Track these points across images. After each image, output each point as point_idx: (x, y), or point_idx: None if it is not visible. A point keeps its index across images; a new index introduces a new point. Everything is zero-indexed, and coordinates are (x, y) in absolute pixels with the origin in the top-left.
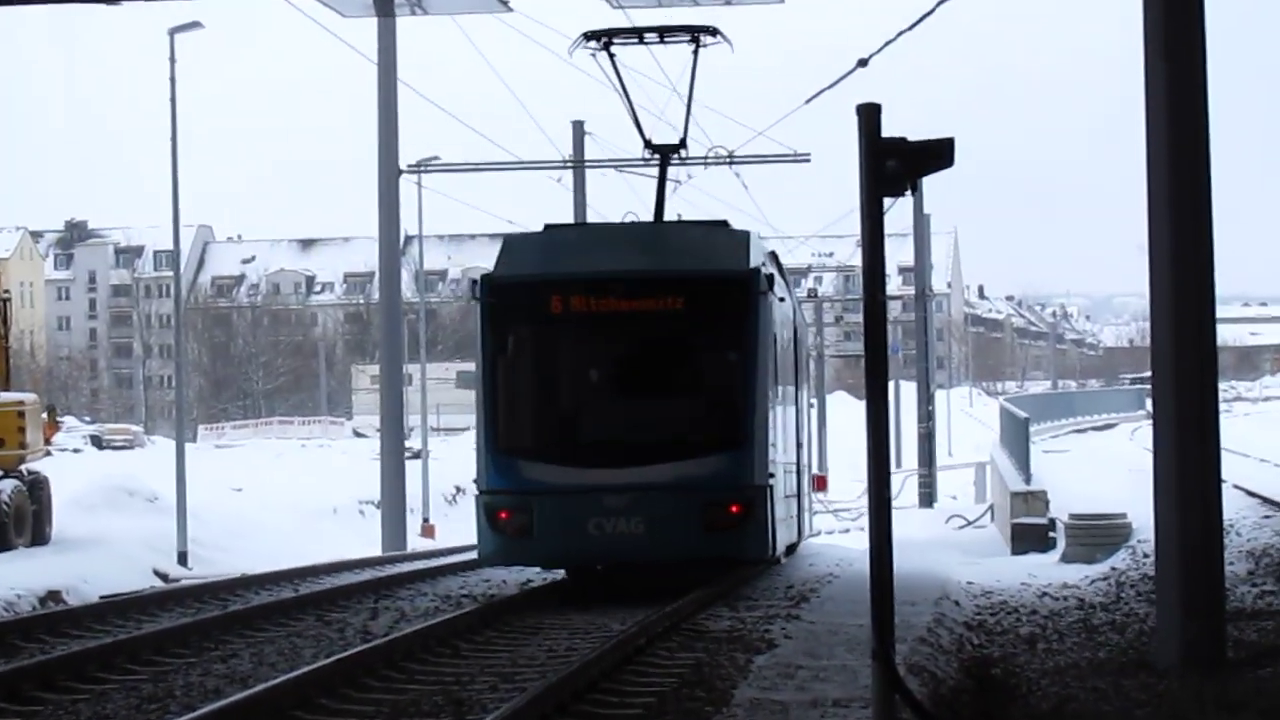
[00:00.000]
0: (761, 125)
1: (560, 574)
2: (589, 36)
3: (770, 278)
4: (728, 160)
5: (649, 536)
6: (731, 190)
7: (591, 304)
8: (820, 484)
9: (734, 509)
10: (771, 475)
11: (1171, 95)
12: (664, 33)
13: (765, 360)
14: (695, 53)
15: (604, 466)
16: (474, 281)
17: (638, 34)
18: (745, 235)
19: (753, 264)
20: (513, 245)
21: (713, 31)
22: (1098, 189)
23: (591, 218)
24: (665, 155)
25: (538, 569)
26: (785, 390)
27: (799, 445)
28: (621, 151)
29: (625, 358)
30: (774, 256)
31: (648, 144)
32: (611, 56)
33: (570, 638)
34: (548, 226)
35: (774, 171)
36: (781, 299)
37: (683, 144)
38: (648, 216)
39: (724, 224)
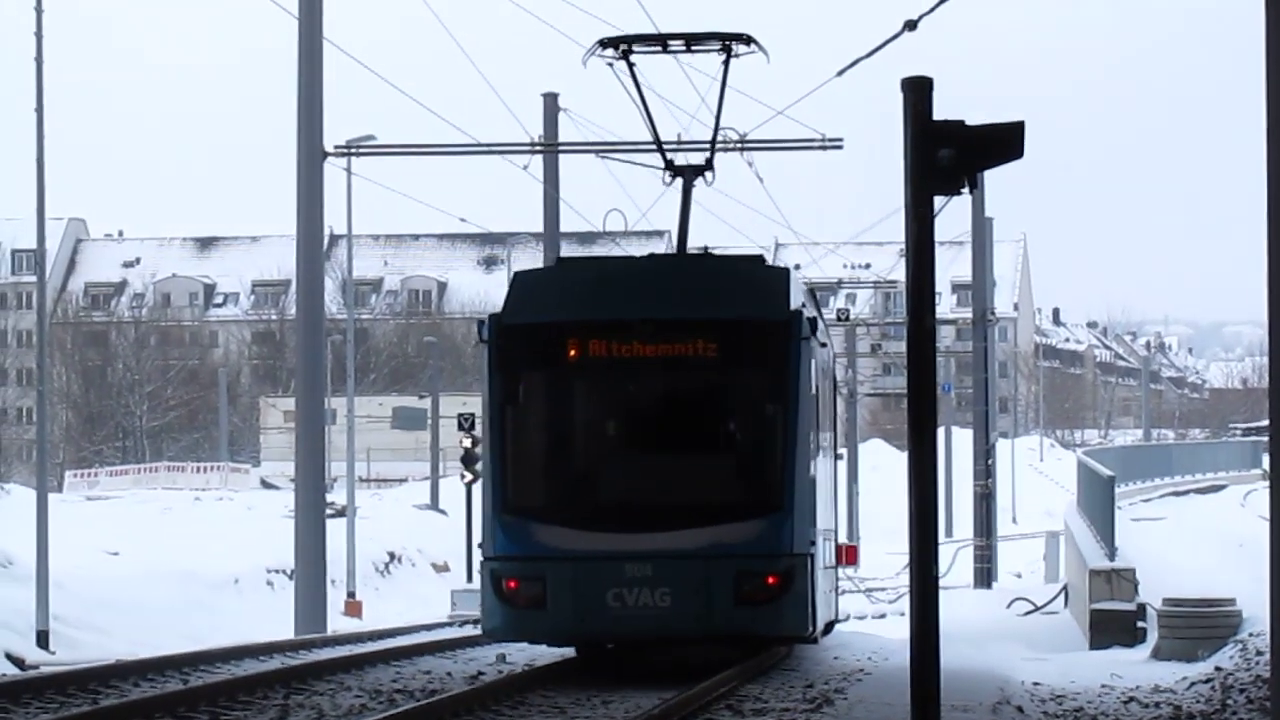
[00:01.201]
0: (782, 103)
1: (537, 659)
2: (605, 44)
3: (813, 321)
4: (738, 145)
5: (675, 610)
6: (743, 183)
7: (614, 350)
8: (849, 556)
9: (771, 580)
10: (812, 543)
11: None
12: (691, 41)
13: (807, 413)
14: (726, 63)
15: (626, 531)
16: (480, 322)
17: (661, 41)
18: (784, 273)
19: (793, 306)
20: (524, 282)
21: (747, 40)
22: (1205, 191)
23: (565, 214)
24: (689, 177)
25: (513, 644)
26: (824, 446)
27: (835, 509)
28: (603, 132)
29: (651, 410)
30: (812, 294)
31: (669, 164)
32: (631, 66)
33: None
34: (561, 260)
35: (797, 161)
36: (823, 344)
37: (709, 165)
38: (633, 214)
39: (759, 259)
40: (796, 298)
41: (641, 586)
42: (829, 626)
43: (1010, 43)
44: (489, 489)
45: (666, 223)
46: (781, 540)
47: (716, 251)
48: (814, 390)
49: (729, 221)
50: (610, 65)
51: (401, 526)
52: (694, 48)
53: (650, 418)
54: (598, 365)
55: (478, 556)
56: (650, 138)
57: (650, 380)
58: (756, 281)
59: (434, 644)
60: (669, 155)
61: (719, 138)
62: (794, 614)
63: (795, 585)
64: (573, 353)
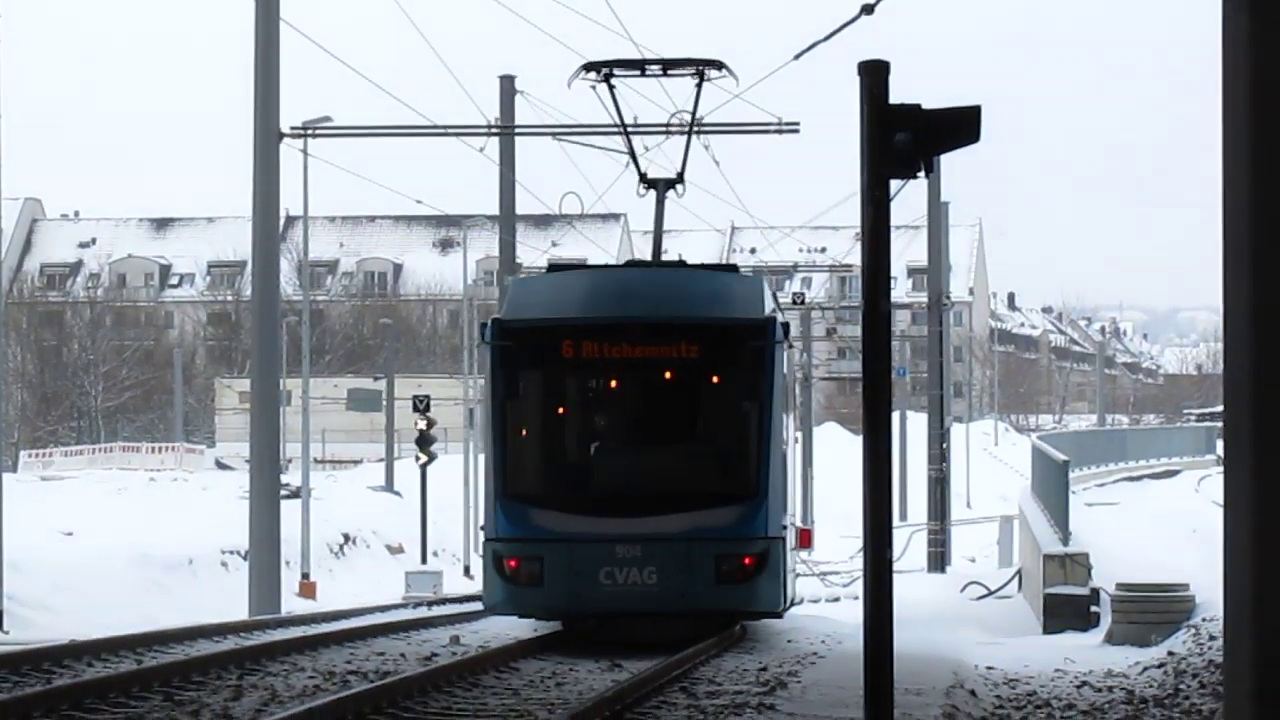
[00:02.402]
0: (738, 86)
1: (491, 641)
2: (588, 68)
3: (786, 326)
4: (694, 129)
5: (660, 587)
6: (700, 166)
7: (606, 350)
8: (804, 540)
9: (747, 561)
10: (784, 526)
11: (1254, 57)
12: (668, 66)
13: (780, 409)
14: (699, 86)
15: (617, 515)
16: (483, 324)
17: (640, 66)
18: (759, 281)
19: (767, 311)
20: (521, 287)
21: (719, 65)
22: (1161, 176)
23: (521, 197)
24: (662, 189)
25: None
26: (790, 437)
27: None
28: (559, 114)
29: (639, 405)
30: (775, 298)
31: (643, 178)
32: (611, 88)
33: None
34: (552, 266)
35: (754, 144)
36: (791, 345)
37: (680, 178)
38: (589, 197)
39: (733, 268)
40: (769, 303)
41: (631, 566)
42: (790, 604)
43: (967, 28)
44: (491, 476)
45: (621, 206)
46: (757, 525)
47: (675, 234)
48: (785, 387)
49: (686, 205)
50: (593, 88)
51: (356, 508)
52: (670, 72)
53: (638, 411)
54: (591, 363)
55: (433, 539)
56: (627, 153)
57: (638, 377)
58: (734, 288)
59: (388, 625)
60: (643, 169)
61: (689, 147)
62: (768, 592)
63: (769, 565)
64: (568, 351)
